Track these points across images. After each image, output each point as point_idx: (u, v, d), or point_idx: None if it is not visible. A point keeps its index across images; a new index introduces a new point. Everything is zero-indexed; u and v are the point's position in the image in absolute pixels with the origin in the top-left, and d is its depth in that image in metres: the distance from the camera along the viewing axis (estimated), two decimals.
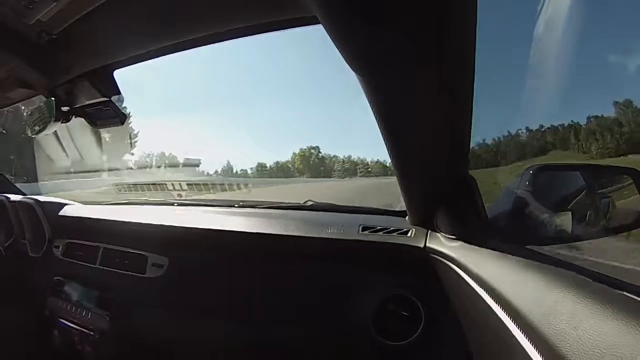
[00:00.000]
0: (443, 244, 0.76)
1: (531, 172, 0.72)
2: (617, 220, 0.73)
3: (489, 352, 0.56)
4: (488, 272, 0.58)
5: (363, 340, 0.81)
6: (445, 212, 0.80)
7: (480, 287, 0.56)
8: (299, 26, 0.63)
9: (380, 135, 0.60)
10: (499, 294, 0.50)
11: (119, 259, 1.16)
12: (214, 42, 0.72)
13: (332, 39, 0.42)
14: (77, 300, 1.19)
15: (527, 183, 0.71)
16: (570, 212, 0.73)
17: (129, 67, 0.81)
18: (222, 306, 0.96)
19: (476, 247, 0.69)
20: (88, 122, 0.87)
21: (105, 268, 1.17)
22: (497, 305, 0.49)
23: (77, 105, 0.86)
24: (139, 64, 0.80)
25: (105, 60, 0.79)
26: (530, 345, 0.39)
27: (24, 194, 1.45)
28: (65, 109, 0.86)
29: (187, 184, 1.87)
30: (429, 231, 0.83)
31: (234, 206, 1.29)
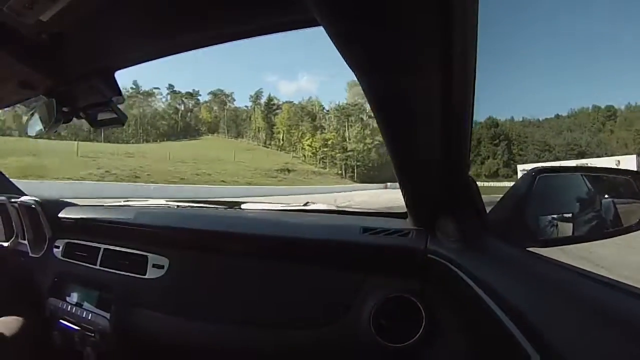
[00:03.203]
0: (444, 246, 0.76)
1: (533, 174, 0.72)
2: (618, 222, 0.73)
3: (490, 354, 0.55)
4: (489, 274, 0.57)
5: (363, 342, 0.81)
6: (445, 214, 0.80)
7: (481, 289, 0.56)
8: (300, 28, 0.63)
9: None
10: (500, 296, 0.50)
11: (120, 259, 1.16)
12: (215, 43, 0.72)
13: (332, 41, 0.42)
14: (77, 301, 1.19)
15: (528, 185, 0.71)
16: (571, 214, 0.73)
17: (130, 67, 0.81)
18: (222, 308, 0.96)
19: (477, 249, 0.69)
20: (88, 123, 0.87)
21: (106, 269, 1.17)
22: (497, 308, 0.49)
23: (77, 106, 0.86)
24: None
25: (106, 61, 0.78)
26: (532, 348, 0.39)
27: (24, 194, 1.45)
28: (65, 109, 0.86)
29: None
30: (430, 233, 0.83)
31: (234, 208, 1.30)
